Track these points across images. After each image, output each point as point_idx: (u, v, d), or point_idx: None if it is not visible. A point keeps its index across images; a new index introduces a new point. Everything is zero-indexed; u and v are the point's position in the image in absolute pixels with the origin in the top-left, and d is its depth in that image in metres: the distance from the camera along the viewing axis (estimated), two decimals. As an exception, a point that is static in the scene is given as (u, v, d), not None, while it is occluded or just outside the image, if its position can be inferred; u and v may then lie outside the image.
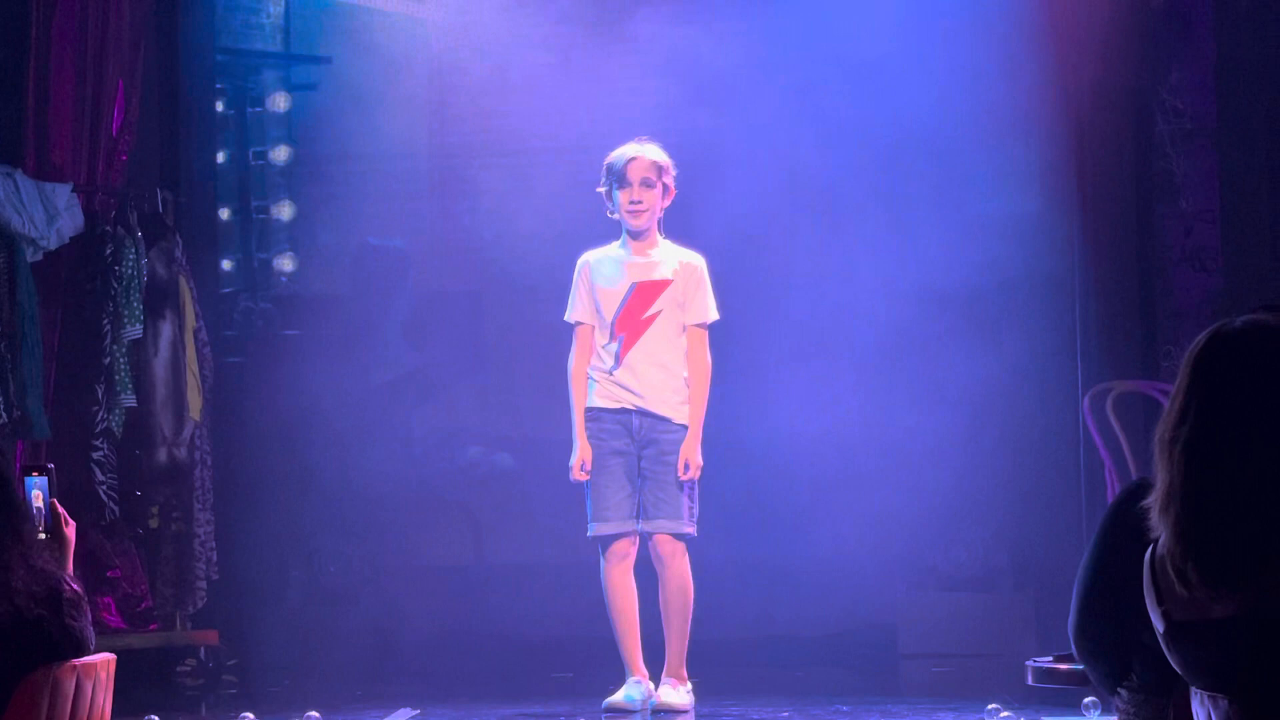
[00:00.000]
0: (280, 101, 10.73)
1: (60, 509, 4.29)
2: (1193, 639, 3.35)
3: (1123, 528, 3.60)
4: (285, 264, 10.65)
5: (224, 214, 10.49)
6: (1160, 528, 3.37)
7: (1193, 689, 3.43)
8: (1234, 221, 8.91)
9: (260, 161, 10.76)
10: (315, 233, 10.44)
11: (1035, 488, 9.21)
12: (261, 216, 10.72)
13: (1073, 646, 3.86)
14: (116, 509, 8.68)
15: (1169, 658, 3.42)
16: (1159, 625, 3.40)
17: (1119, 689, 3.83)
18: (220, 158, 10.41)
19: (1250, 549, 3.26)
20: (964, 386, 9.18)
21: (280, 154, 10.70)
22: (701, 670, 7.59)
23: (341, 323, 9.89)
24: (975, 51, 9.25)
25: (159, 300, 8.77)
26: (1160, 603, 3.38)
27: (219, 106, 10.42)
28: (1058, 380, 9.20)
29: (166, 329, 8.79)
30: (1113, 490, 7.86)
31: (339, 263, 10.22)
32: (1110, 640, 3.76)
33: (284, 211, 10.66)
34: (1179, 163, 8.95)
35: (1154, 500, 3.39)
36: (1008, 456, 9.16)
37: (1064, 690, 6.31)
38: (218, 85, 10.29)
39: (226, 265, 10.44)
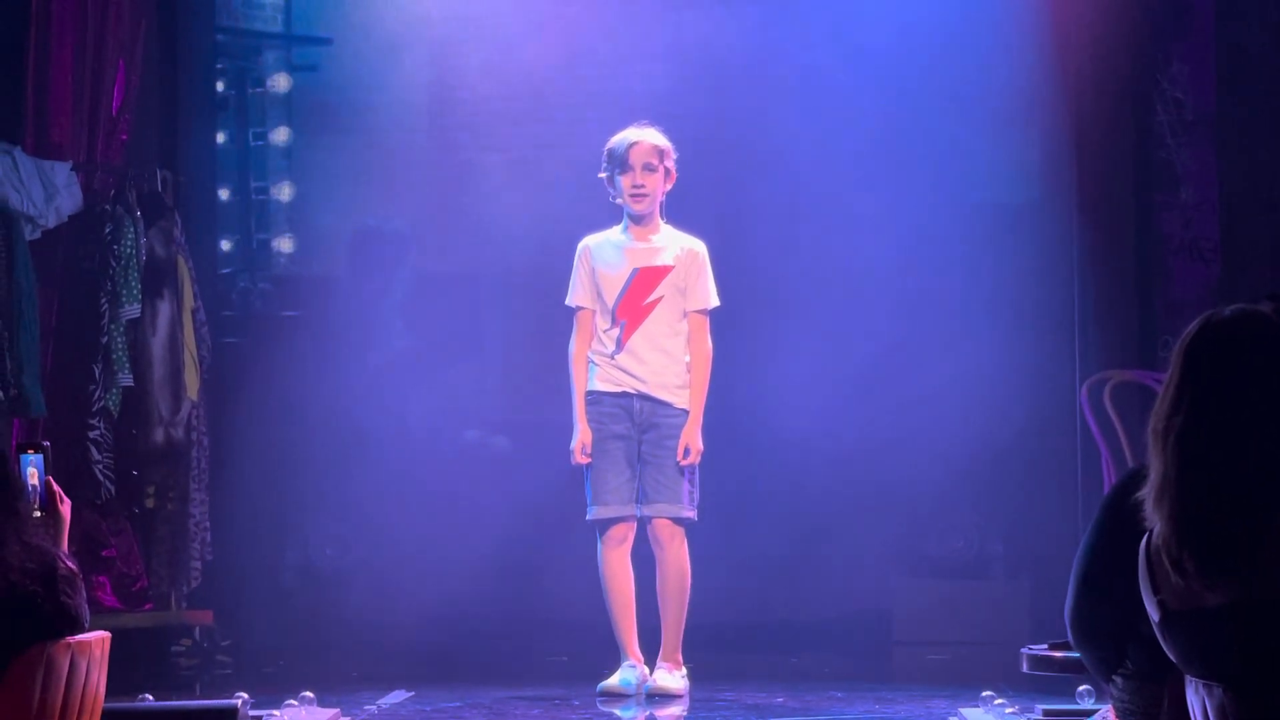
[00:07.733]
0: (281, 82, 10.72)
1: (56, 486, 4.28)
2: (1188, 628, 3.35)
3: (1119, 515, 3.59)
4: (284, 245, 10.64)
5: (223, 194, 10.48)
6: (1155, 518, 3.37)
7: (1187, 677, 3.43)
8: (1233, 212, 8.91)
9: (260, 142, 10.75)
10: (314, 214, 10.43)
11: (1031, 476, 9.22)
12: (261, 197, 10.71)
13: (1068, 633, 3.86)
14: (112, 488, 8.68)
15: (1164, 646, 3.42)
16: (1154, 614, 3.40)
17: (1114, 676, 3.83)
18: (220, 138, 10.40)
19: (1244, 538, 3.26)
20: (962, 375, 9.18)
21: (280, 135, 10.69)
22: (696, 655, 7.59)
23: (340, 304, 9.89)
24: (976, 41, 9.26)
25: (157, 280, 8.77)
26: (1156, 592, 3.38)
27: (219, 87, 10.41)
28: (1056, 369, 9.21)
29: (165, 309, 8.79)
30: (1110, 480, 7.86)
31: (338, 244, 10.21)
32: (1106, 628, 3.76)
33: (283, 192, 10.65)
34: (1179, 153, 8.95)
35: (1148, 491, 3.39)
36: (1004, 445, 9.17)
37: (1059, 678, 6.31)
38: (218, 65, 10.27)
39: (225, 245, 10.43)
